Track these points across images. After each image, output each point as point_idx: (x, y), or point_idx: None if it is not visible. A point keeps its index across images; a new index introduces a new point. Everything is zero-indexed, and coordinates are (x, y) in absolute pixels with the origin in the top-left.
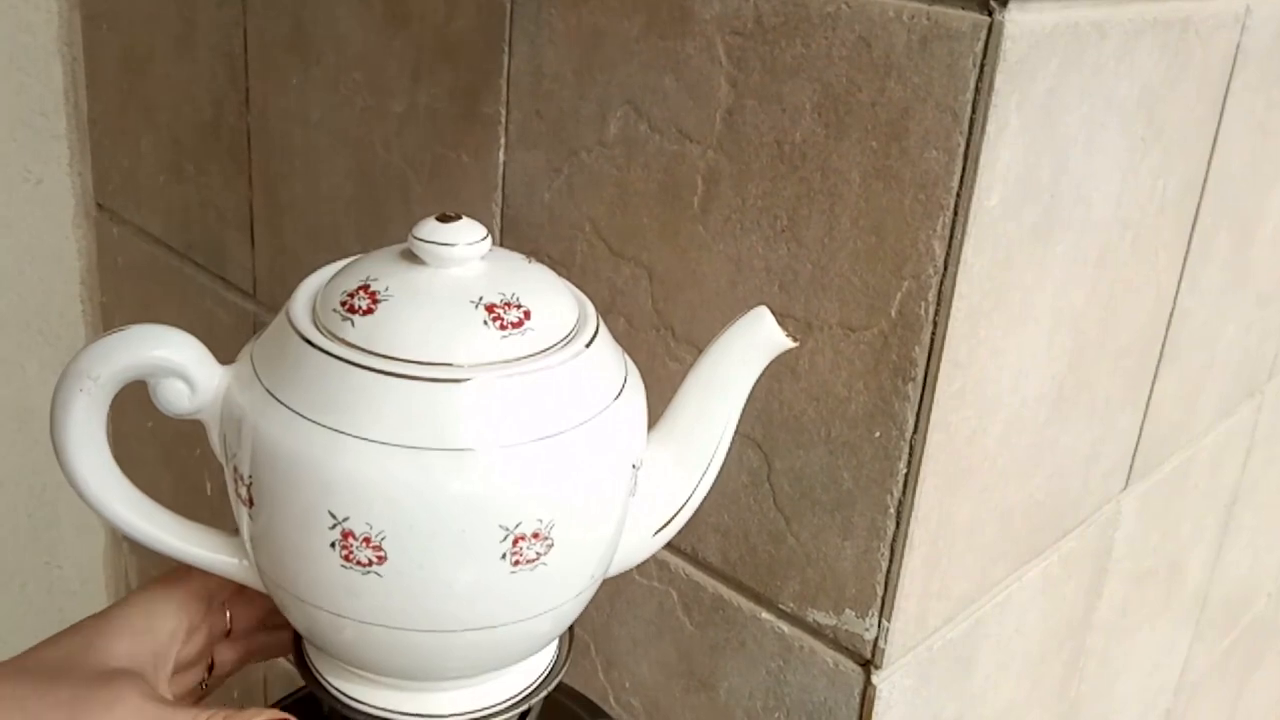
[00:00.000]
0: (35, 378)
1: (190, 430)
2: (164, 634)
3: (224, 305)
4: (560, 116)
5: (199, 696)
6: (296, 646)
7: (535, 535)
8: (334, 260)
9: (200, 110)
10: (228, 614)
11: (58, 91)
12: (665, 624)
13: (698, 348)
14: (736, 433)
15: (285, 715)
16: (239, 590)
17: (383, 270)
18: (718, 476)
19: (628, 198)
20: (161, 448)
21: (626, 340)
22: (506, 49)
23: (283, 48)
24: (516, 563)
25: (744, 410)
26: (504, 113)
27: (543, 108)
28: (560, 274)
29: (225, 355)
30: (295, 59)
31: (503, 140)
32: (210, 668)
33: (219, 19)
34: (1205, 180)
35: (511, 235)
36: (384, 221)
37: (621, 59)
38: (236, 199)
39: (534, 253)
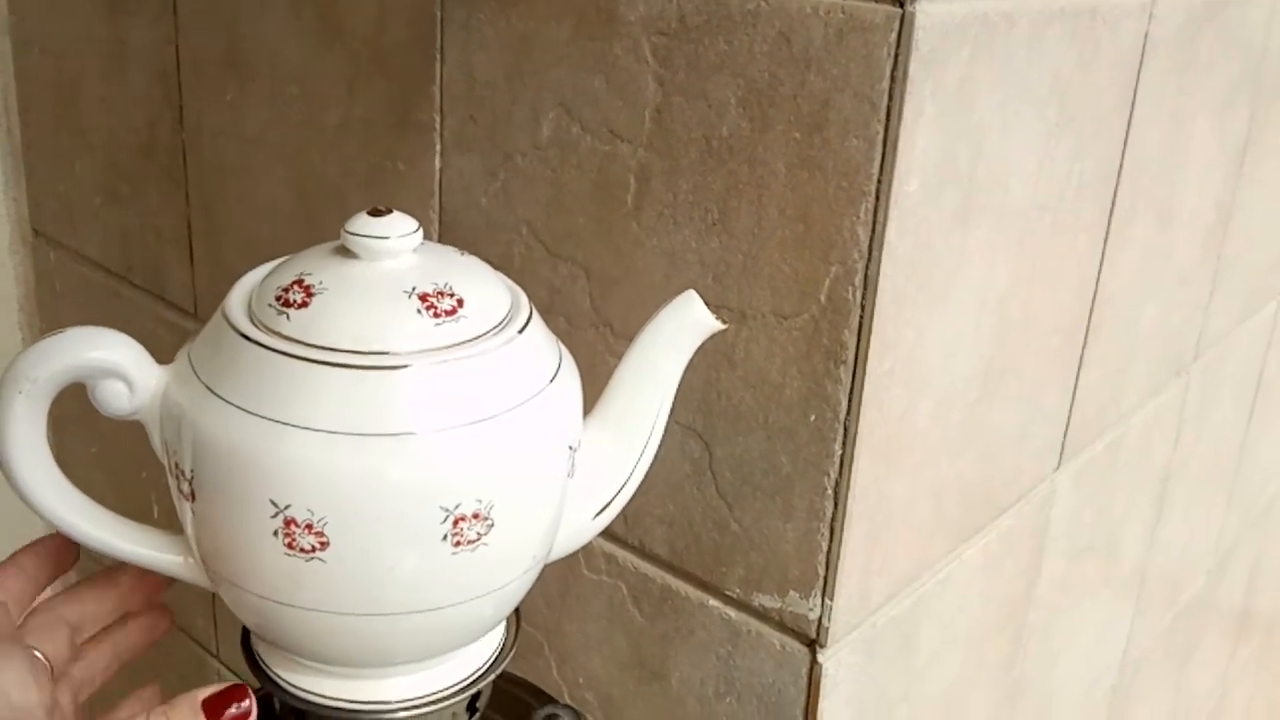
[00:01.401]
0: None
1: (136, 453)
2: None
3: (165, 325)
4: (494, 121)
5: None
6: (245, 643)
7: (475, 516)
8: None
9: (135, 130)
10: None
11: None
12: (616, 617)
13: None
14: (677, 424)
15: (224, 686)
16: (69, 599)
17: (317, 265)
18: (655, 458)
19: (563, 198)
20: (108, 472)
21: (567, 339)
22: (439, 56)
23: (216, 64)
24: (458, 544)
25: (683, 400)
26: (438, 120)
27: (476, 113)
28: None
29: None
30: (230, 74)
31: (438, 147)
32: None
33: (151, 38)
34: (1121, 164)
35: (450, 240)
36: (321, 233)
37: (551, 62)
38: (174, 218)
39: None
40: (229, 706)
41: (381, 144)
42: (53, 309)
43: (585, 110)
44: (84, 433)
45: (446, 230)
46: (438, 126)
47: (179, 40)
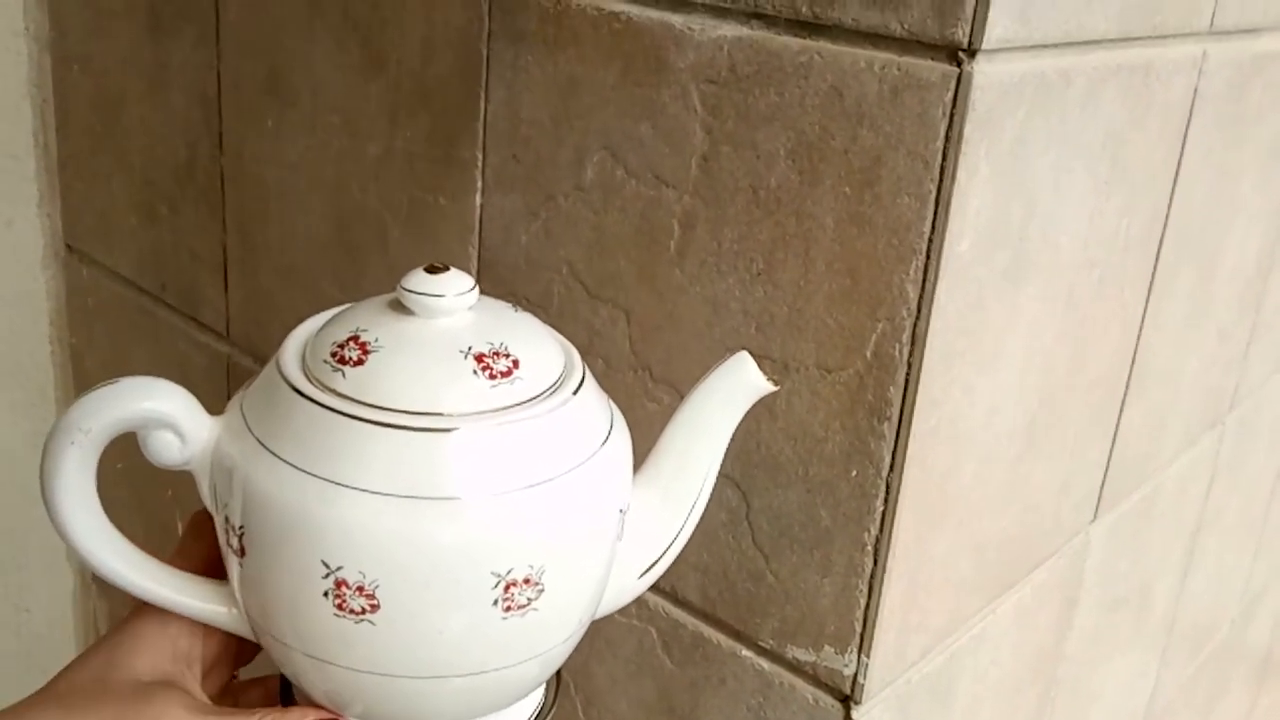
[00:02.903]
0: (4, 420)
1: (161, 472)
2: (182, 639)
3: (197, 347)
4: (537, 161)
5: (233, 691)
6: (284, 692)
7: (527, 581)
8: (309, 301)
9: (174, 152)
10: None
11: (27, 133)
12: (645, 662)
13: (675, 388)
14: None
15: (334, 714)
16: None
17: (372, 321)
18: (701, 518)
19: (605, 241)
20: (132, 489)
21: (604, 381)
22: (483, 94)
23: (258, 90)
24: (508, 609)
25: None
26: (481, 157)
27: (519, 152)
28: (538, 316)
29: (199, 396)
30: (271, 101)
31: (480, 184)
32: (237, 658)
33: (193, 61)
34: (1167, 219)
35: (488, 277)
36: (360, 264)
37: (598, 106)
38: (210, 241)
39: (511, 295)
40: None
41: (422, 177)
42: (84, 324)
43: (630, 155)
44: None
45: (486, 267)
46: (480, 163)
47: (220, 65)
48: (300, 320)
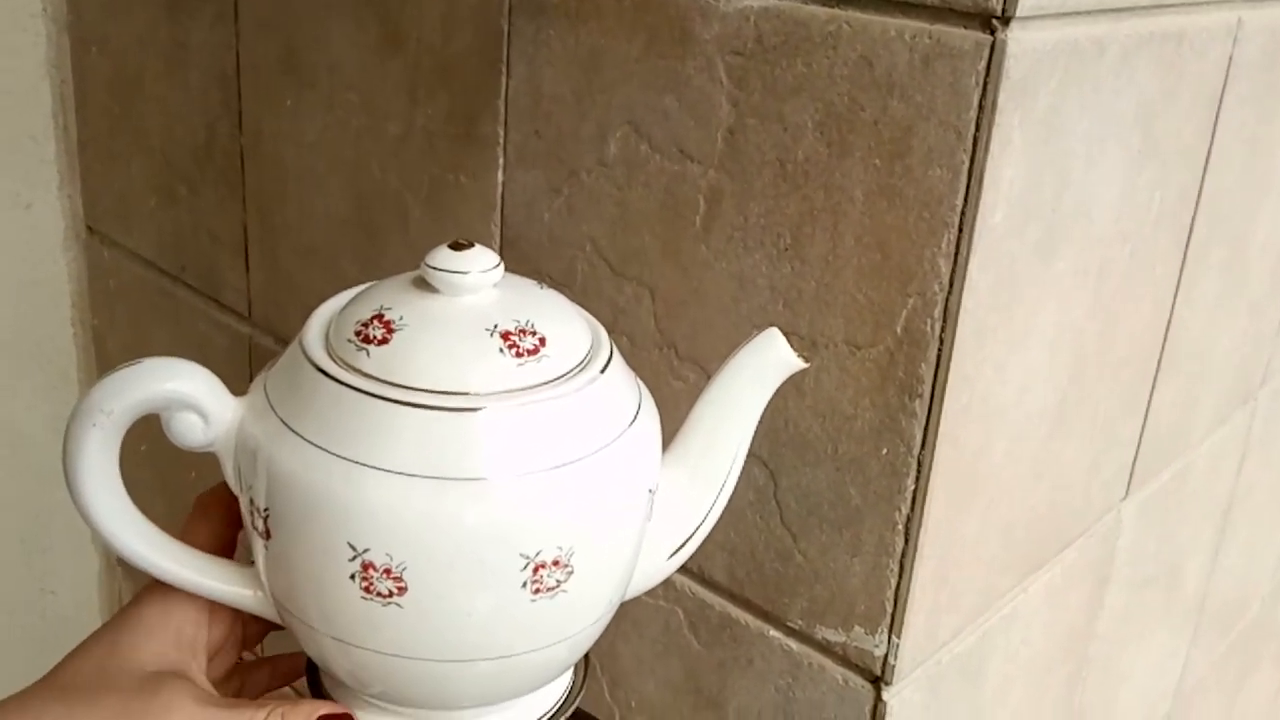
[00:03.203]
0: (27, 402)
1: (185, 454)
2: (187, 626)
3: (218, 328)
4: (559, 137)
5: (240, 671)
6: (311, 675)
7: (555, 563)
8: (330, 281)
9: (193, 132)
10: None
11: (46, 115)
12: (671, 642)
13: (701, 366)
14: None
15: (343, 708)
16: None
17: (396, 299)
18: (736, 503)
19: (629, 217)
20: (155, 471)
21: (629, 359)
22: (504, 70)
23: (276, 70)
24: (537, 591)
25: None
26: (502, 133)
27: (541, 128)
28: (562, 294)
29: (222, 376)
30: (289, 81)
31: (501, 161)
32: (243, 642)
33: (211, 41)
34: (1200, 192)
35: (511, 255)
36: (381, 243)
37: (621, 79)
38: (230, 221)
39: (534, 272)
40: None
41: (443, 155)
42: (105, 306)
43: (655, 129)
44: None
45: (508, 245)
46: (501, 140)
47: (239, 45)
48: (322, 300)
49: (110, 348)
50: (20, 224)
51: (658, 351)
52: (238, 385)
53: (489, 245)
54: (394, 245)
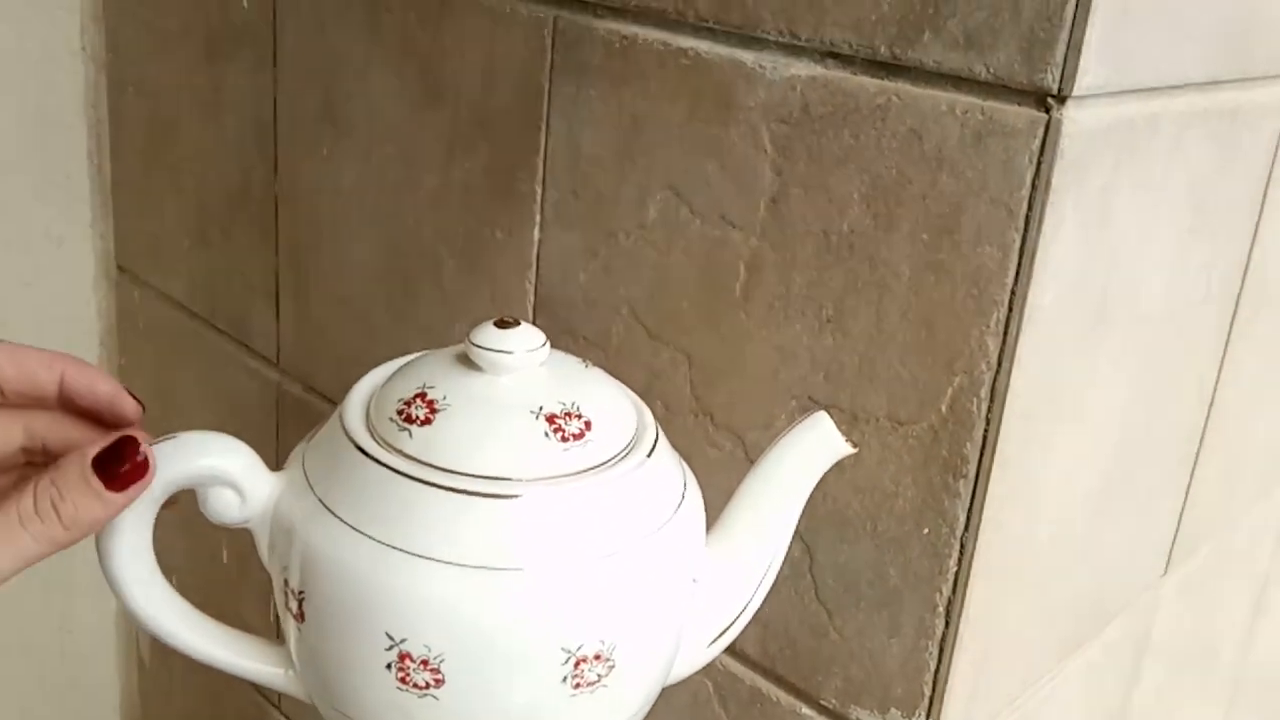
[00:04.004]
0: None
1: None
2: None
3: (246, 373)
4: (598, 198)
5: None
6: None
7: (597, 657)
8: (362, 332)
9: (227, 177)
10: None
11: (81, 154)
12: (700, 715)
13: (738, 435)
14: None
15: (120, 434)
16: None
17: (440, 377)
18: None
19: (667, 282)
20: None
21: (664, 426)
22: (544, 128)
23: (314, 118)
24: (577, 685)
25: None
26: (540, 191)
27: (580, 188)
28: (596, 356)
29: (248, 422)
30: (326, 129)
31: (538, 218)
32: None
33: (249, 86)
34: (1246, 268)
35: (545, 313)
36: (414, 295)
37: (662, 143)
38: (263, 267)
39: (568, 334)
40: (123, 463)
41: (479, 210)
42: (134, 345)
43: (696, 194)
44: None
45: (542, 304)
46: (539, 198)
47: (277, 91)
48: (352, 351)
49: (138, 387)
50: (52, 260)
51: (693, 419)
52: (266, 431)
53: (523, 304)
54: (427, 298)
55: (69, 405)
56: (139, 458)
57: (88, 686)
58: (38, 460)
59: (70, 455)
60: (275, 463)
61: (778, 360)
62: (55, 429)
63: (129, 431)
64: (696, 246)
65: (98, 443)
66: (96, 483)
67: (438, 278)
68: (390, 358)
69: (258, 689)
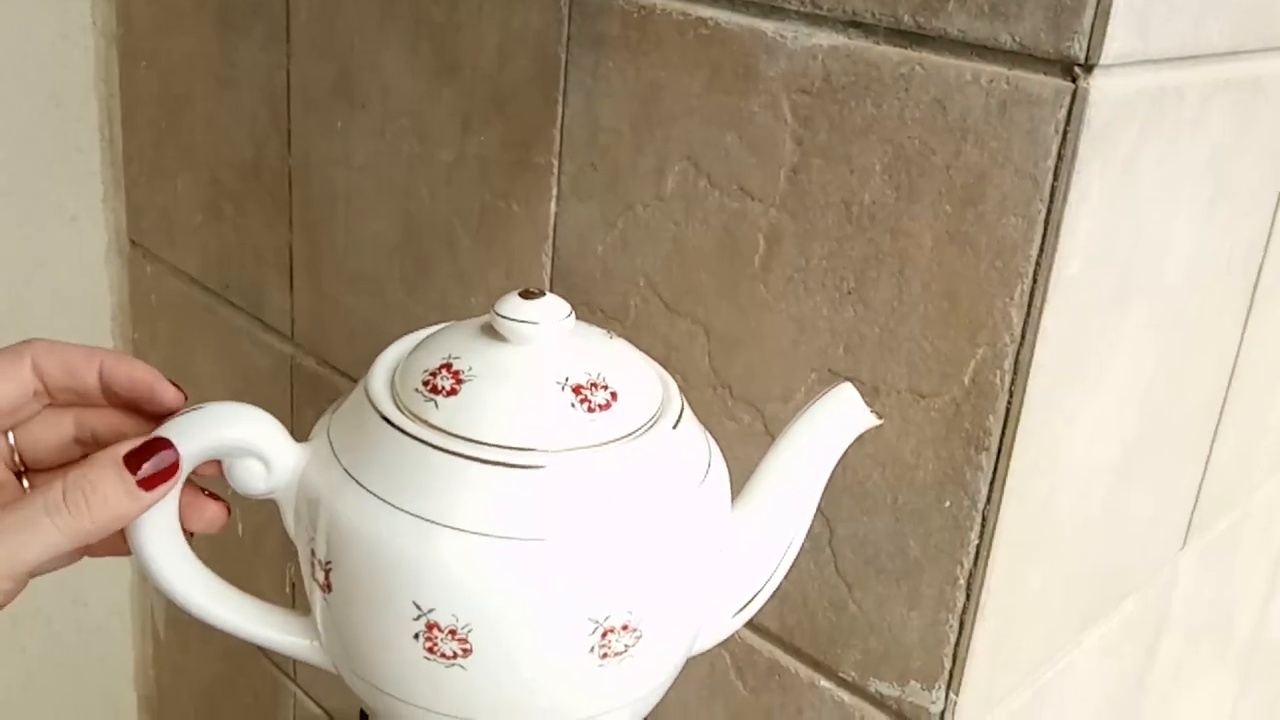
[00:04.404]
0: None
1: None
2: None
3: (260, 346)
4: (615, 169)
5: None
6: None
7: (625, 627)
8: (376, 307)
9: (240, 151)
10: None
11: (93, 128)
12: (717, 687)
13: (756, 407)
14: None
15: (151, 436)
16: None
17: (465, 347)
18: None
19: (685, 253)
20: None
21: None
22: (560, 99)
23: (327, 92)
24: (605, 655)
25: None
26: (556, 163)
27: (597, 160)
28: (614, 328)
29: (263, 395)
30: (340, 103)
31: (555, 191)
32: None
33: (262, 61)
34: (1268, 241)
35: (562, 286)
36: (429, 270)
37: (681, 114)
38: (276, 241)
39: (585, 306)
40: (150, 458)
41: (495, 183)
42: (147, 320)
43: (715, 165)
44: None
45: (559, 276)
46: (555, 170)
47: (290, 65)
48: (366, 324)
49: (151, 363)
50: (64, 236)
51: (711, 391)
52: (280, 404)
53: (540, 276)
54: (442, 273)
55: (111, 396)
56: (169, 458)
57: (102, 659)
58: (91, 450)
59: (103, 451)
60: (292, 437)
61: (797, 332)
62: (103, 420)
63: (163, 436)
64: (715, 218)
65: (131, 441)
66: (129, 477)
67: (453, 252)
68: (405, 332)
69: (272, 660)
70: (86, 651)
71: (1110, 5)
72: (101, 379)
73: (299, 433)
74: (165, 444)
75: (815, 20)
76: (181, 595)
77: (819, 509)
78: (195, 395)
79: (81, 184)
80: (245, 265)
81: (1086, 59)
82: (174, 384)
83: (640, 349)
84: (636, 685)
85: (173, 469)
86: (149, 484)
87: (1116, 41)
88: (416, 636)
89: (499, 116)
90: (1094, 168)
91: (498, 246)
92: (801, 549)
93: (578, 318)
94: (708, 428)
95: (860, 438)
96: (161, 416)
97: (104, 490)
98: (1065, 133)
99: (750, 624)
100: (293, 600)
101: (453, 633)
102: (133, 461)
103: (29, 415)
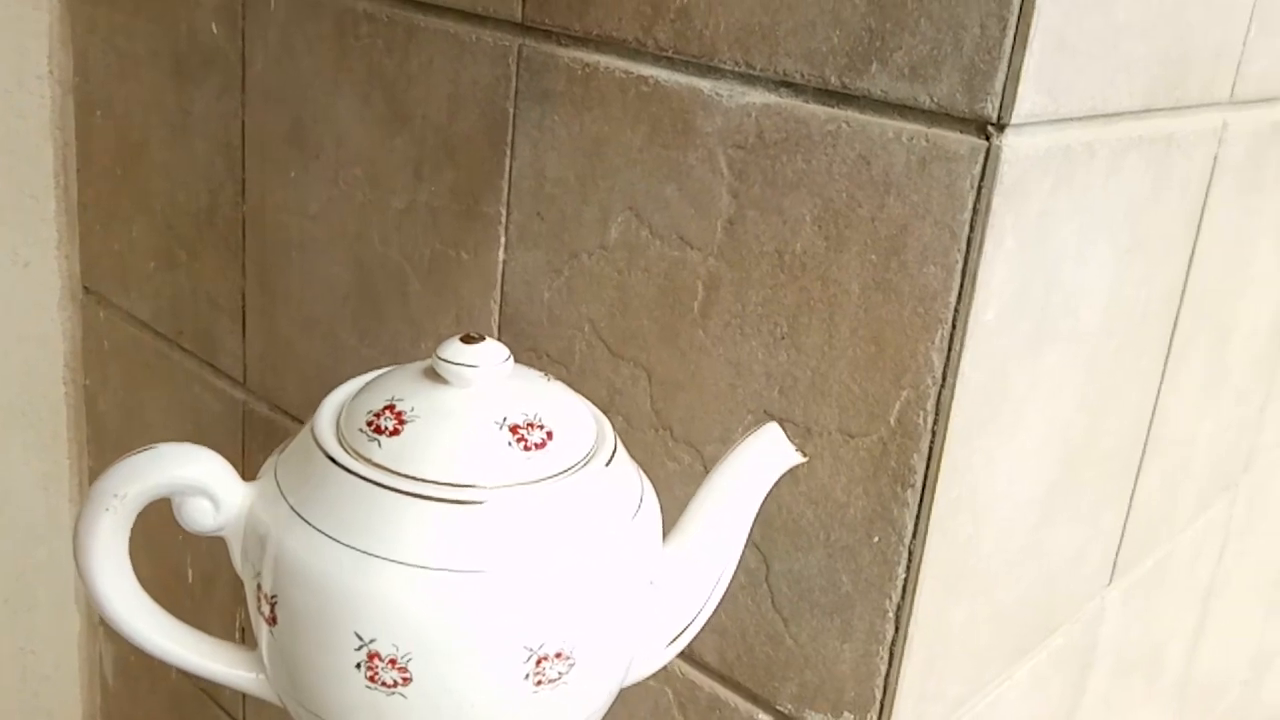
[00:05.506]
0: (16, 459)
1: (173, 516)
2: None
3: (213, 392)
4: (561, 219)
5: None
6: None
7: (558, 655)
8: (328, 352)
9: (195, 198)
10: None
11: (48, 175)
12: None
13: (696, 448)
14: None
15: None
16: None
17: (408, 390)
18: (728, 588)
19: (628, 300)
20: (143, 532)
21: (625, 439)
22: (509, 151)
23: (282, 141)
24: (539, 683)
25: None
26: (504, 213)
27: (544, 210)
28: (559, 373)
29: (215, 440)
30: (294, 152)
31: (503, 239)
32: None
33: (217, 110)
34: (1185, 286)
35: (509, 332)
36: (381, 315)
37: (624, 166)
38: (229, 288)
39: (532, 351)
40: None
41: (445, 231)
42: (99, 366)
43: (656, 216)
44: None
45: (507, 322)
46: (504, 219)
47: (245, 115)
48: (319, 369)
49: (102, 408)
50: (17, 281)
51: (653, 433)
52: (230, 450)
53: (488, 322)
54: (393, 318)
55: None
56: None
57: (50, 708)
58: None
59: None
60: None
61: (734, 375)
62: None
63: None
64: (656, 266)
65: None
66: None
67: (404, 298)
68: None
69: (222, 706)
70: (35, 701)
71: (1021, 68)
72: None
73: (249, 476)
74: None
75: (749, 80)
76: (129, 628)
77: (755, 545)
78: (147, 440)
79: (35, 230)
80: (199, 311)
81: (999, 118)
82: None
83: (584, 392)
84: (571, 712)
85: None
86: None
87: (1027, 102)
88: (358, 666)
89: (449, 166)
90: (1007, 220)
91: (448, 293)
92: (739, 584)
93: (525, 362)
94: (649, 468)
95: (794, 477)
96: None
97: None
98: (980, 187)
99: (691, 659)
100: (243, 642)
101: (393, 662)
102: None
103: None
